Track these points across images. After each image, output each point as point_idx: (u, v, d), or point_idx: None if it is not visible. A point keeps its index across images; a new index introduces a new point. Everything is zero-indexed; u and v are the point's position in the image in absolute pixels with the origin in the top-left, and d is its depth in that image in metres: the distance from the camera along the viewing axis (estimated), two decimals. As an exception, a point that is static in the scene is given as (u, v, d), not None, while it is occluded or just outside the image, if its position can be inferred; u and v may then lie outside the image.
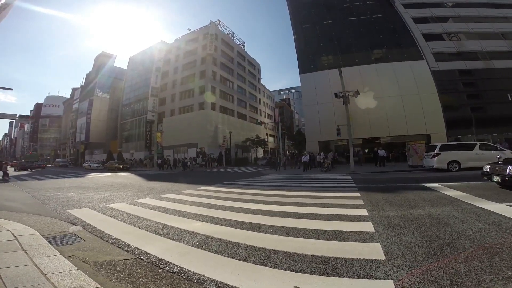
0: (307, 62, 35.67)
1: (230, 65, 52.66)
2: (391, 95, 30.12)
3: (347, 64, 32.49)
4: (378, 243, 3.99)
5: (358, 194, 8.99)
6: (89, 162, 47.38)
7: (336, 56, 35.37)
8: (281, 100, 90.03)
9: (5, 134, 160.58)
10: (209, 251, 3.94)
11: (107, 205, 8.05)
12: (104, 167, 40.06)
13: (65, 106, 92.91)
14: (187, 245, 4.23)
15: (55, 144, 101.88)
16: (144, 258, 3.68)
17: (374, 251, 3.70)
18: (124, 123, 59.89)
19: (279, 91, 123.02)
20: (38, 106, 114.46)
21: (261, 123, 39.71)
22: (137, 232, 5.02)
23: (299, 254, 3.66)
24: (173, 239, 4.53)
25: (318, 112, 31.18)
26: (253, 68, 64.19)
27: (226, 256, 3.70)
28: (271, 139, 67.50)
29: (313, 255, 3.59)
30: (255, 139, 47.55)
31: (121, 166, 36.02)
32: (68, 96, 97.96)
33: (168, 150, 44.81)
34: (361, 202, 7.40)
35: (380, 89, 30.48)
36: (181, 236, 4.70)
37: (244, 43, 64.01)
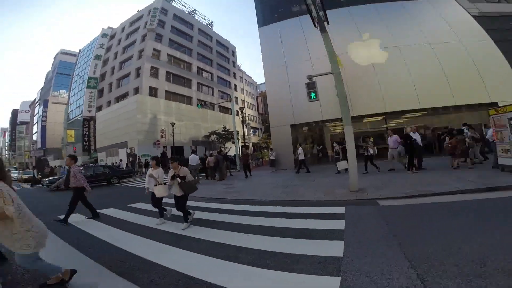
0: (270, 10, 21.43)
1: (187, 44, 38.78)
2: (411, 43, 15.93)
3: (329, 7, 18.09)
4: None
5: None
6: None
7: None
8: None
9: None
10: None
11: None
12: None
13: (31, 110, 79.47)
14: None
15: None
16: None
17: None
18: (71, 123, 46.07)
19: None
20: (14, 113, 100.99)
21: (203, 103, 26.00)
22: None
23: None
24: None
25: (288, 77, 17.08)
26: (225, 50, 50.06)
27: None
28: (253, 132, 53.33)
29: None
30: (222, 132, 33.23)
31: (25, 177, 24.45)
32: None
33: (102, 153, 31.26)
34: None
35: (390, 35, 16.44)
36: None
37: (212, 22, 50.04)
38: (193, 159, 13.04)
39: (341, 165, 10.83)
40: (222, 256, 3.52)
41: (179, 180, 5.21)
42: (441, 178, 7.62)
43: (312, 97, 8.16)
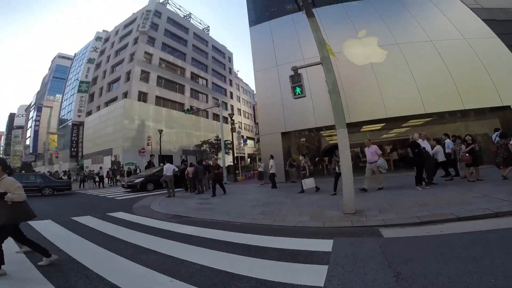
0: (262, 9, 20.25)
1: (181, 48, 37.68)
2: (412, 40, 14.44)
3: (322, 3, 16.84)
4: None
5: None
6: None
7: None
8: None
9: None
10: None
11: None
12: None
13: (27, 114, 78.10)
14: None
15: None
16: None
17: None
18: (63, 127, 44.66)
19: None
20: (11, 117, 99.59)
21: (190, 108, 24.32)
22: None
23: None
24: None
25: (279, 79, 15.56)
26: (222, 56, 49.01)
27: None
28: (249, 142, 51.83)
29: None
30: (215, 141, 31.53)
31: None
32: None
33: (88, 160, 29.64)
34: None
35: (388, 32, 14.96)
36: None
37: (208, 26, 49.33)
38: (168, 169, 11.37)
39: (308, 183, 9.01)
40: None
41: None
42: (460, 195, 5.95)
43: (297, 93, 6.58)
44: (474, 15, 15.51)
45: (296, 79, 6.76)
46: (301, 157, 10.71)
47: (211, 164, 11.66)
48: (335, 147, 8.20)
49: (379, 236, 3.98)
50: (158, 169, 16.23)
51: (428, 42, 14.22)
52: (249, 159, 49.17)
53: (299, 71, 6.90)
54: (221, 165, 19.07)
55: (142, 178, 14.93)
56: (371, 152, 8.15)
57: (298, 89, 6.63)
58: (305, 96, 6.74)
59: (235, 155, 24.66)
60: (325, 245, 3.76)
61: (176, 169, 12.06)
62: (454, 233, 3.75)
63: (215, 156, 14.40)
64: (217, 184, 10.82)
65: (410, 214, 4.80)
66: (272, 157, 12.61)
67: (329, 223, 5.00)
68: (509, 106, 12.11)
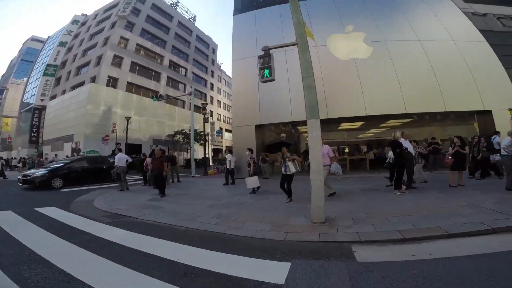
0: (247, -1, 18.83)
1: (162, 36, 35.63)
2: (400, 38, 13.76)
3: None
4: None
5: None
6: None
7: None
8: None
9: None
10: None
11: None
12: None
13: (-10, 98, 71.62)
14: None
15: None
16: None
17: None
18: (26, 111, 41.00)
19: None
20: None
21: (159, 96, 22.64)
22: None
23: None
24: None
25: (257, 70, 14.24)
26: (206, 46, 46.99)
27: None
28: (228, 134, 50.41)
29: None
30: (189, 132, 29.80)
31: None
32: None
33: (48, 146, 27.14)
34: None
35: (377, 30, 14.21)
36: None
37: (195, 16, 47.19)
38: (120, 159, 9.92)
39: (250, 182, 7.89)
40: None
41: None
42: (444, 203, 5.16)
43: (265, 75, 5.53)
44: (464, 17, 15.05)
45: (266, 60, 5.72)
46: (247, 152, 9.51)
47: (154, 155, 9.33)
48: (282, 143, 7.12)
49: (350, 259, 2.98)
50: (71, 160, 13.22)
51: (416, 41, 13.60)
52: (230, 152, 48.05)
53: (271, 51, 5.84)
54: (194, 157, 17.77)
55: (44, 171, 11.26)
56: (323, 153, 6.03)
57: (266, 71, 5.59)
58: (274, 80, 5.68)
59: (212, 147, 23.19)
60: (279, 272, 2.71)
61: (130, 160, 10.62)
62: (447, 258, 2.82)
63: (159, 147, 12.69)
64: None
65: (390, 227, 3.87)
66: (231, 152, 11.26)
67: (292, 235, 3.98)
68: (490, 111, 11.75)
